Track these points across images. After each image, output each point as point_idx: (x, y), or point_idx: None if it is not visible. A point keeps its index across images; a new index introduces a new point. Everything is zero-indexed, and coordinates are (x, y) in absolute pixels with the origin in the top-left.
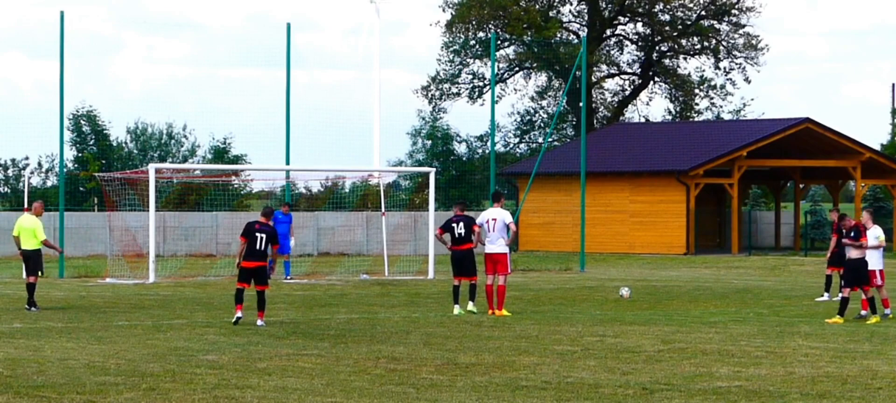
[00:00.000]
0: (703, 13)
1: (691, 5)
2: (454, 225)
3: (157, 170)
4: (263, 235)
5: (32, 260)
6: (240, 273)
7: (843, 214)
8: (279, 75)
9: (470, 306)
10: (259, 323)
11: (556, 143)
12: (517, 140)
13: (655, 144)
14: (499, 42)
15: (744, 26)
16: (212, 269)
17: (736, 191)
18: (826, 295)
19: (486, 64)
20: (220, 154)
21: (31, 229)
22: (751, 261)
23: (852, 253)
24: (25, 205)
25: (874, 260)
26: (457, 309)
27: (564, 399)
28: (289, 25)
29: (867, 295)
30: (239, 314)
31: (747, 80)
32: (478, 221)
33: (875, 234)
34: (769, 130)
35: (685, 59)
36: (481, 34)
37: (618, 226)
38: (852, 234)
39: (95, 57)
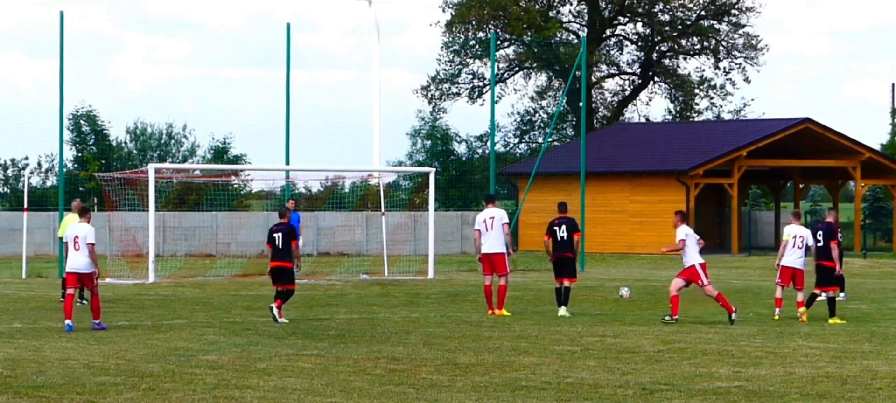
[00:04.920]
0: (702, 13)
1: (691, 5)
2: (556, 228)
3: (157, 170)
4: (280, 234)
5: None
6: (270, 275)
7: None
8: (279, 75)
9: (563, 311)
10: (274, 311)
11: (556, 143)
12: (517, 140)
13: (655, 144)
14: (499, 42)
15: (744, 26)
16: (212, 269)
17: (736, 191)
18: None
19: (485, 64)
20: (220, 154)
21: None
22: (751, 261)
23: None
24: (25, 206)
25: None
26: (562, 311)
27: (564, 399)
28: (289, 25)
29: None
30: (281, 319)
31: (747, 80)
32: (476, 225)
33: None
34: (769, 130)
35: (685, 58)
36: (481, 34)
37: (618, 226)
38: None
39: (95, 57)
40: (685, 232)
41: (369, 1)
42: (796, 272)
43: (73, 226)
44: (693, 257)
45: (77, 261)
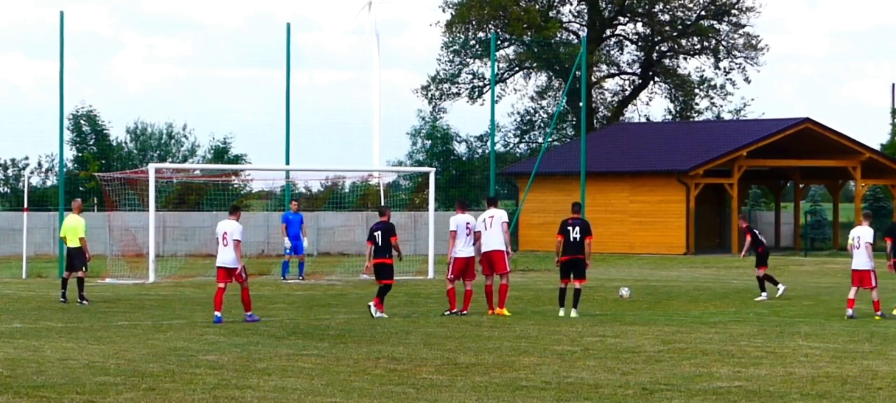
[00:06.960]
0: (702, 13)
1: (691, 5)
2: (570, 228)
3: (157, 170)
4: (379, 232)
5: (77, 258)
6: (373, 271)
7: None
8: (279, 75)
9: (573, 313)
10: (376, 313)
11: (556, 143)
12: (517, 140)
13: (655, 144)
14: (499, 42)
15: (744, 26)
16: (212, 269)
17: (736, 191)
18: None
19: (485, 64)
20: (220, 154)
21: (74, 228)
22: (751, 261)
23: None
24: (25, 206)
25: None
26: (562, 312)
27: (564, 399)
28: (289, 25)
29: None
30: (380, 314)
31: (747, 80)
32: (477, 227)
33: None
34: (769, 130)
35: (685, 58)
36: (481, 34)
37: (618, 226)
38: None
39: (95, 57)
40: (455, 223)
41: (369, 5)
42: (862, 274)
43: (223, 223)
44: (457, 248)
45: (225, 256)
